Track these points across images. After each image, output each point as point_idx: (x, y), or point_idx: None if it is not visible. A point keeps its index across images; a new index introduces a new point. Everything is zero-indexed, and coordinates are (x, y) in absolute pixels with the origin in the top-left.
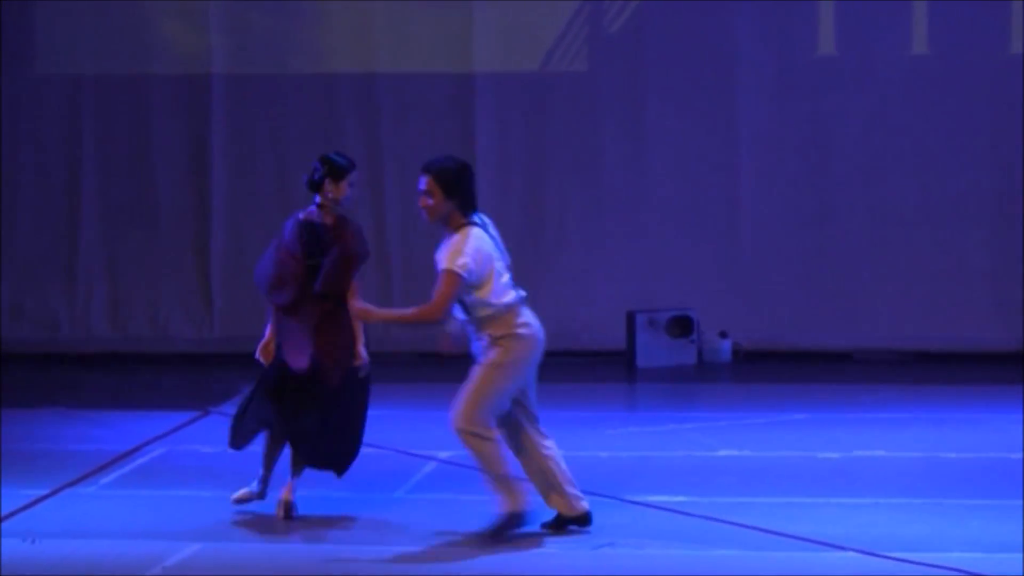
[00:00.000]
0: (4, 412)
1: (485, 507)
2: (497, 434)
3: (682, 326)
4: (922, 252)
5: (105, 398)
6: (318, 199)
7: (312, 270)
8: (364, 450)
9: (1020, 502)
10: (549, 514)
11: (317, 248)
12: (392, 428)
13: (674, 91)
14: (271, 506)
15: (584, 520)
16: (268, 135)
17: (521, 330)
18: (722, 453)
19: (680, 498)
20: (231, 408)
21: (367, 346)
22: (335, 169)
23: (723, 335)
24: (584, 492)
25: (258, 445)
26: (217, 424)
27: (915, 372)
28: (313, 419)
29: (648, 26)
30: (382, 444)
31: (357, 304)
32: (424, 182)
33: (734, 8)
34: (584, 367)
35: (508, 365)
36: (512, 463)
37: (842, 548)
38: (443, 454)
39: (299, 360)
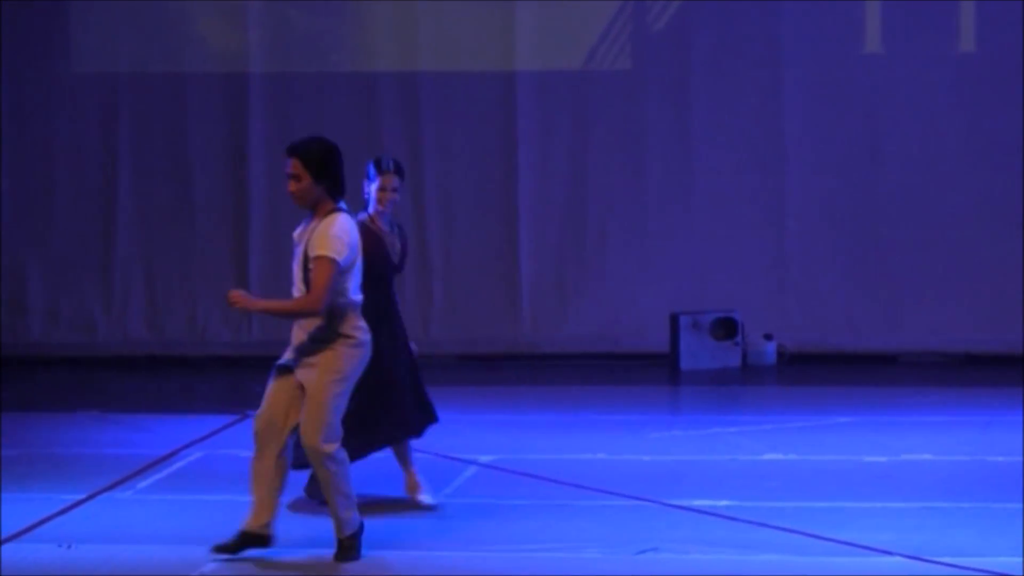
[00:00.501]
0: (40, 416)
1: (527, 511)
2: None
3: (726, 328)
4: (969, 253)
5: (142, 402)
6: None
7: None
8: None
9: None
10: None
11: None
12: (434, 432)
13: (719, 90)
14: (302, 514)
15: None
16: (307, 134)
17: (361, 334)
18: (767, 457)
19: (724, 502)
20: None
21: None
22: (375, 170)
23: (768, 337)
24: (627, 496)
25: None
26: None
27: (962, 375)
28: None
29: (692, 24)
30: (424, 448)
31: (235, 293)
32: (291, 165)
33: (779, 6)
34: (627, 370)
35: (350, 375)
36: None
37: (888, 553)
38: (485, 458)
39: None
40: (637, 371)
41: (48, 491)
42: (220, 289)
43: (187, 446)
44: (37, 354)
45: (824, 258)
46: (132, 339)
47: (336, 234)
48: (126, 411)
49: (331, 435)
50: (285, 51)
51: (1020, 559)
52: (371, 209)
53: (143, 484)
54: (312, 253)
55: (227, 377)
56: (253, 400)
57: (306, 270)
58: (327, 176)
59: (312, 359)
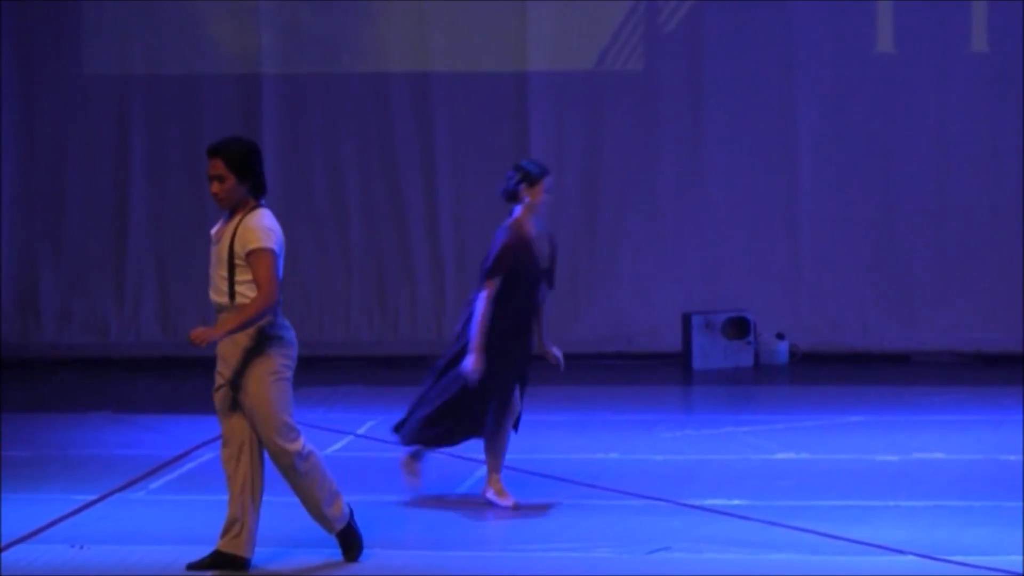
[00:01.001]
0: (53, 417)
1: (539, 511)
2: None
3: (739, 328)
4: (982, 252)
5: (155, 402)
6: (517, 208)
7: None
8: None
9: None
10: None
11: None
12: None
13: (731, 90)
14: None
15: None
16: (320, 135)
17: (286, 332)
18: (779, 456)
19: (737, 501)
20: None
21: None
22: (530, 176)
23: (780, 337)
24: (639, 496)
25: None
26: None
27: (974, 374)
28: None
29: (704, 25)
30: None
31: (195, 333)
32: (213, 166)
33: (791, 6)
34: (640, 369)
35: (287, 373)
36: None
37: (901, 552)
38: None
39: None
40: (650, 371)
41: (60, 492)
42: None
43: (199, 447)
44: (49, 355)
45: (836, 258)
46: (145, 340)
47: (268, 226)
48: (138, 412)
49: (291, 433)
50: (298, 52)
51: None
52: (518, 213)
53: (155, 485)
54: (246, 248)
55: None
56: None
57: (231, 269)
58: (251, 175)
59: (245, 369)
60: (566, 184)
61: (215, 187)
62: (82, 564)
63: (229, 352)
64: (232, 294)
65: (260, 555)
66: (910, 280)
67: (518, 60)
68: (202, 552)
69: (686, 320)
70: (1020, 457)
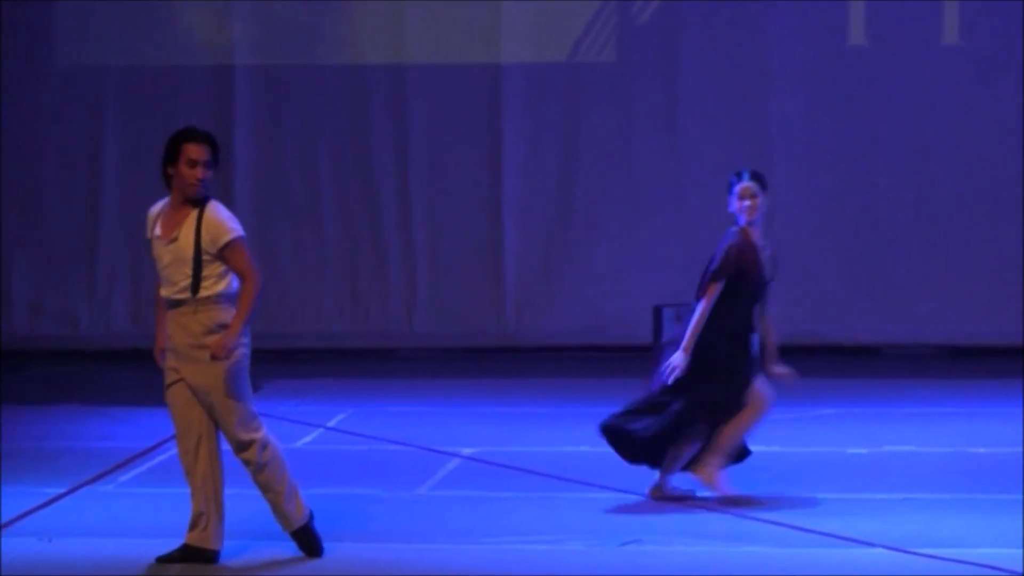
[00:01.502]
0: (24, 409)
1: (509, 504)
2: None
3: None
4: (958, 247)
5: (125, 395)
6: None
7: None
8: (386, 447)
9: None
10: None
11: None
12: (417, 425)
13: (705, 81)
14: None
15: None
16: (295, 127)
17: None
18: (750, 448)
19: (708, 494)
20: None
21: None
22: (729, 184)
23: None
24: (610, 488)
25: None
26: None
27: (946, 367)
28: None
29: (678, 16)
30: (407, 441)
31: (215, 349)
32: (203, 151)
33: None
34: (612, 362)
35: (245, 363)
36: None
37: (871, 545)
38: (467, 450)
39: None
40: (621, 363)
41: (30, 484)
42: None
43: (169, 439)
44: (21, 348)
45: (808, 250)
46: (115, 333)
47: (229, 215)
48: (109, 404)
49: (253, 422)
50: (272, 44)
51: (1003, 550)
52: (741, 222)
53: (125, 477)
54: (219, 242)
55: None
56: None
57: (198, 264)
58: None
59: (203, 360)
60: (540, 177)
61: (202, 172)
62: (51, 557)
63: (185, 344)
64: (197, 288)
65: (229, 548)
66: (884, 273)
67: (492, 52)
68: (171, 545)
69: (657, 313)
70: (990, 449)
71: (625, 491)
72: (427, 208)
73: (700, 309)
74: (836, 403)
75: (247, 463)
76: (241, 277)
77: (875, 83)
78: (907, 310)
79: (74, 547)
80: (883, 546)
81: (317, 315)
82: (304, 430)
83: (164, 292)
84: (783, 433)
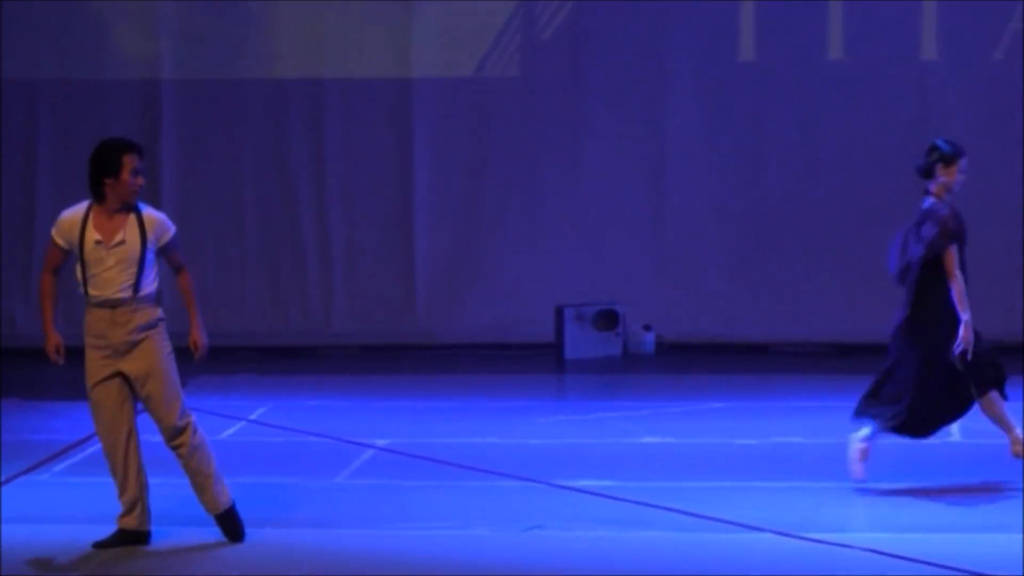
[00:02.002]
0: None
1: (421, 492)
2: None
3: (608, 320)
4: (840, 247)
5: (59, 390)
6: (932, 185)
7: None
8: (305, 438)
9: (927, 486)
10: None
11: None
12: (332, 417)
13: (607, 92)
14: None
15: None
16: (218, 138)
17: (161, 312)
18: (647, 440)
19: (607, 483)
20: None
21: None
22: (945, 156)
23: (647, 328)
24: (515, 477)
25: None
26: None
27: (832, 363)
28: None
29: (580, 29)
30: (323, 432)
31: (198, 347)
32: (141, 161)
33: (664, 9)
34: (517, 359)
35: (172, 348)
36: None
37: (760, 529)
38: (381, 442)
39: None
40: (525, 360)
41: None
42: None
43: None
44: None
45: (701, 254)
46: None
47: (163, 214)
48: (46, 399)
49: (185, 408)
50: (195, 58)
51: (881, 534)
52: (933, 189)
53: (59, 468)
54: (163, 239)
55: None
56: None
57: (143, 263)
58: None
59: (140, 349)
60: (448, 184)
61: (141, 180)
62: None
63: (121, 341)
64: (139, 287)
65: (156, 533)
66: (772, 275)
67: (403, 67)
68: (105, 531)
69: (559, 313)
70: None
71: (529, 480)
72: (343, 215)
73: (955, 281)
74: (727, 397)
75: (180, 447)
76: (180, 270)
77: (767, 94)
78: (794, 310)
79: (12, 532)
80: (771, 531)
81: (240, 315)
82: (227, 423)
83: (99, 293)
84: (677, 425)
